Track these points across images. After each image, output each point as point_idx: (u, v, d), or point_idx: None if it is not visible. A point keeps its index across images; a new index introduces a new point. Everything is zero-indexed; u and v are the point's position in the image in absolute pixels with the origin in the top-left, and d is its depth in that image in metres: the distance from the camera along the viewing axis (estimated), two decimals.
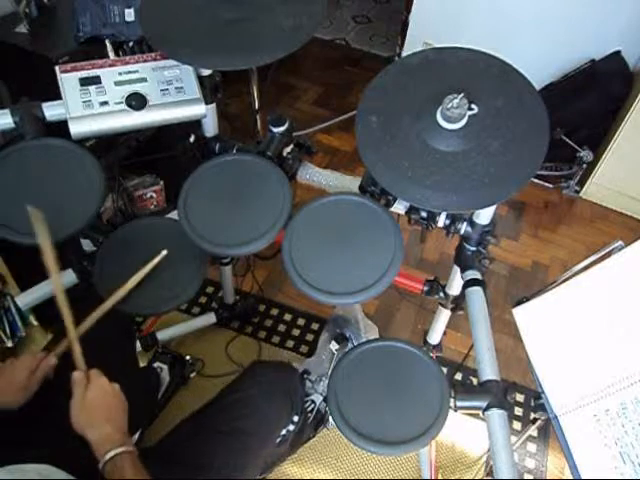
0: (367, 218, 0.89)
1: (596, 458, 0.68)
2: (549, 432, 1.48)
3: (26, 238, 0.84)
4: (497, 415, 0.73)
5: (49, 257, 0.79)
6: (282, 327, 1.69)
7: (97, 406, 0.75)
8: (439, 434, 0.75)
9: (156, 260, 0.90)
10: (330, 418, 1.40)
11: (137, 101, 0.97)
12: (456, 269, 1.05)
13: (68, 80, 0.97)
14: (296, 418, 1.06)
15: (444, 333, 1.37)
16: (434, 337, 1.38)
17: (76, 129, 0.93)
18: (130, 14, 1.36)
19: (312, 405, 1.40)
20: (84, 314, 0.82)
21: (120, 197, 1.76)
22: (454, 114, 0.80)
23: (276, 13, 0.96)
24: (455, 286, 1.11)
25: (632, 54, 2.13)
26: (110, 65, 1.00)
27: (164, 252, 0.90)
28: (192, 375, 1.51)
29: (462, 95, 0.80)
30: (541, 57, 2.27)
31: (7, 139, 1.15)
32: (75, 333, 0.79)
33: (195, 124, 1.11)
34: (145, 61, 1.02)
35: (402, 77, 0.90)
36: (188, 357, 1.51)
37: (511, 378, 1.59)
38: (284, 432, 1.04)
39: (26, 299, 1.00)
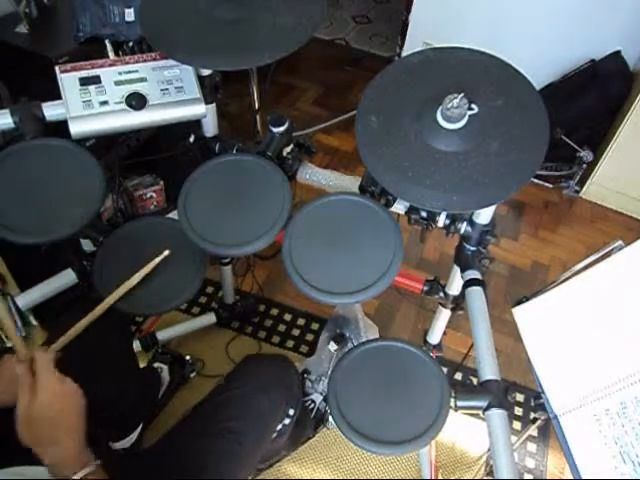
0: (367, 218, 0.89)
1: (596, 458, 0.68)
2: (549, 432, 1.48)
3: (26, 238, 0.84)
4: (497, 415, 0.73)
5: None
6: (282, 327, 1.69)
7: (50, 418, 0.60)
8: (439, 434, 0.75)
9: (156, 260, 0.88)
10: (330, 418, 1.41)
11: (137, 101, 0.97)
12: (456, 269, 1.05)
13: (68, 80, 0.97)
14: (292, 411, 1.06)
15: (444, 333, 1.37)
16: (434, 337, 1.38)
17: (76, 129, 0.93)
18: (130, 14, 1.36)
19: (312, 404, 1.40)
20: (84, 314, 0.82)
21: (120, 197, 1.76)
22: (454, 114, 0.80)
23: (276, 13, 0.96)
24: (455, 286, 1.11)
25: (632, 54, 2.13)
26: (110, 65, 1.00)
27: (166, 252, 0.87)
28: (192, 375, 1.51)
29: (462, 95, 0.80)
30: (541, 57, 2.28)
31: (7, 139, 1.15)
32: (73, 331, 0.75)
33: (195, 124, 1.11)
34: (145, 61, 1.02)
35: (402, 77, 0.90)
36: (188, 357, 1.52)
37: (511, 378, 1.59)
38: (280, 427, 1.04)
39: (26, 299, 1.00)
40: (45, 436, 0.61)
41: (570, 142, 2.13)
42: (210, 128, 1.14)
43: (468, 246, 1.00)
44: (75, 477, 0.60)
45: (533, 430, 1.04)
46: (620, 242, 0.79)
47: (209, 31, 0.94)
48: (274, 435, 1.03)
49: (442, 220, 0.98)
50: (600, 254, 0.81)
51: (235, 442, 0.94)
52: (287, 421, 1.05)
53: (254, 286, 1.73)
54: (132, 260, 0.89)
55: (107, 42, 1.39)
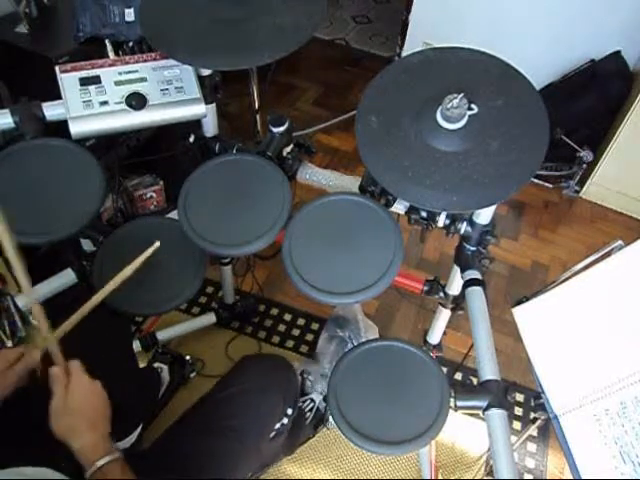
0: (367, 218, 0.89)
1: (596, 458, 0.68)
2: (549, 432, 1.48)
3: (26, 238, 0.84)
4: (497, 415, 0.73)
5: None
6: (282, 327, 1.69)
7: (80, 410, 0.69)
8: (439, 434, 0.75)
9: (146, 254, 0.83)
10: (330, 417, 1.41)
11: (137, 101, 0.97)
12: (456, 269, 1.05)
13: (68, 80, 0.97)
14: (290, 411, 1.06)
15: (444, 333, 1.37)
16: (434, 337, 1.38)
17: (76, 129, 0.93)
18: (130, 14, 1.36)
19: (312, 404, 1.40)
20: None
21: (120, 197, 1.76)
22: (454, 114, 0.80)
23: (276, 13, 0.96)
24: (455, 286, 1.11)
25: (632, 54, 2.13)
26: (110, 65, 1.00)
27: (157, 244, 0.83)
28: (192, 375, 1.51)
29: (462, 95, 0.80)
30: (541, 57, 2.28)
31: (7, 139, 1.15)
32: (63, 327, 0.75)
33: (195, 124, 1.11)
34: (145, 61, 1.03)
35: (402, 77, 0.90)
36: (188, 357, 1.51)
37: (511, 378, 1.59)
38: (278, 426, 1.04)
39: (26, 299, 1.00)
40: (75, 424, 0.68)
41: (570, 142, 2.13)
42: (210, 128, 1.14)
43: (468, 246, 1.00)
44: (98, 463, 0.66)
45: (533, 430, 1.04)
46: (620, 242, 0.79)
47: (209, 31, 0.94)
48: (272, 434, 1.03)
49: (442, 220, 0.98)
50: (600, 254, 0.81)
51: (236, 440, 0.94)
52: (285, 420, 1.05)
53: (254, 286, 1.73)
54: (132, 260, 0.89)
55: (107, 42, 1.39)
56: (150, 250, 0.84)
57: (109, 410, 0.73)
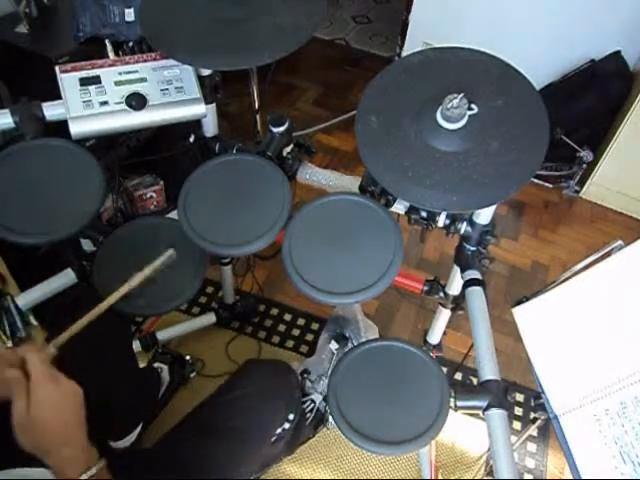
0: (367, 218, 0.89)
1: (596, 458, 0.68)
2: (549, 432, 1.48)
3: (26, 238, 0.84)
4: (497, 415, 0.73)
5: None
6: (282, 327, 1.69)
7: (49, 423, 0.58)
8: (439, 434, 0.75)
9: (161, 259, 0.84)
10: (330, 417, 1.41)
11: (137, 101, 0.97)
12: (456, 269, 1.05)
13: (68, 80, 0.97)
14: (292, 416, 1.06)
15: (444, 333, 1.37)
16: (434, 337, 1.38)
17: (76, 129, 0.93)
18: (130, 14, 1.36)
19: (312, 404, 1.40)
20: (82, 313, 0.81)
21: (120, 197, 1.76)
22: (454, 114, 0.80)
23: (276, 13, 0.96)
24: (455, 286, 1.11)
25: (632, 54, 2.13)
26: (110, 65, 1.00)
27: (170, 251, 0.83)
28: (192, 375, 1.51)
29: (462, 95, 0.80)
30: (541, 57, 2.28)
31: (7, 139, 1.15)
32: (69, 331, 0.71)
33: (195, 124, 1.11)
34: (145, 61, 1.02)
35: (402, 77, 0.90)
36: (188, 357, 1.52)
37: (511, 378, 1.59)
38: (279, 431, 1.04)
39: (26, 299, 1.00)
40: (45, 440, 0.58)
41: (570, 142, 2.13)
42: (210, 128, 1.14)
43: (468, 246, 1.00)
44: (80, 479, 0.58)
45: (533, 430, 1.04)
46: (620, 242, 0.79)
47: (209, 31, 0.94)
48: (274, 439, 1.04)
49: (442, 220, 0.98)
50: (600, 254, 0.81)
51: (238, 442, 0.94)
52: (287, 425, 1.05)
53: (254, 286, 1.73)
54: (132, 260, 0.89)
55: (107, 42, 1.39)
56: (162, 259, 0.82)
57: (82, 411, 0.62)
